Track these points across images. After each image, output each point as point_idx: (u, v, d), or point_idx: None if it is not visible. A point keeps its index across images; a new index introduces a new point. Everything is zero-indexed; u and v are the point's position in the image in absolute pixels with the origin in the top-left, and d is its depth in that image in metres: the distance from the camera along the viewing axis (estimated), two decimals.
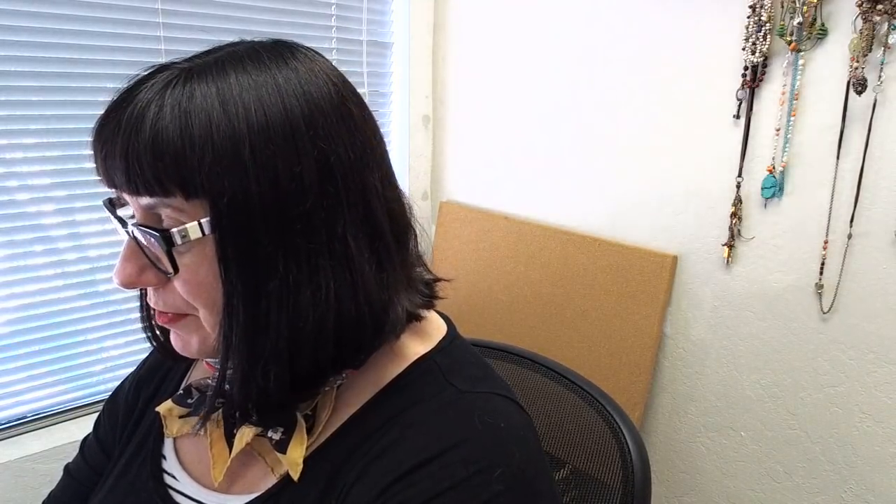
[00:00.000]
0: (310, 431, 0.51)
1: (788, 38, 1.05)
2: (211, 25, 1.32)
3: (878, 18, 0.95)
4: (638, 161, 1.31)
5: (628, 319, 1.31)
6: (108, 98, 0.46)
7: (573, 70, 1.39)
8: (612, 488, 0.75)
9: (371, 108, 0.51)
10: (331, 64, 0.50)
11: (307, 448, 0.51)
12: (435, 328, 0.58)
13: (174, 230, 0.44)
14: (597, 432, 0.79)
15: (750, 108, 1.13)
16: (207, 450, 0.55)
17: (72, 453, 0.72)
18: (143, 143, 0.43)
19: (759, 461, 1.22)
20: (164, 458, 0.59)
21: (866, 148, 1.00)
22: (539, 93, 1.47)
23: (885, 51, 0.96)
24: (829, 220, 1.06)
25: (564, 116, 1.42)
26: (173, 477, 0.58)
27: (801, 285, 1.11)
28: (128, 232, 0.47)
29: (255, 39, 0.49)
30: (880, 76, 0.97)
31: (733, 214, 1.17)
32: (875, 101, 0.98)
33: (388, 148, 0.52)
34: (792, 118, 1.08)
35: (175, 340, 0.52)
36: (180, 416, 0.59)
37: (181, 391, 0.60)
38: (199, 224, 0.44)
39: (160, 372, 0.67)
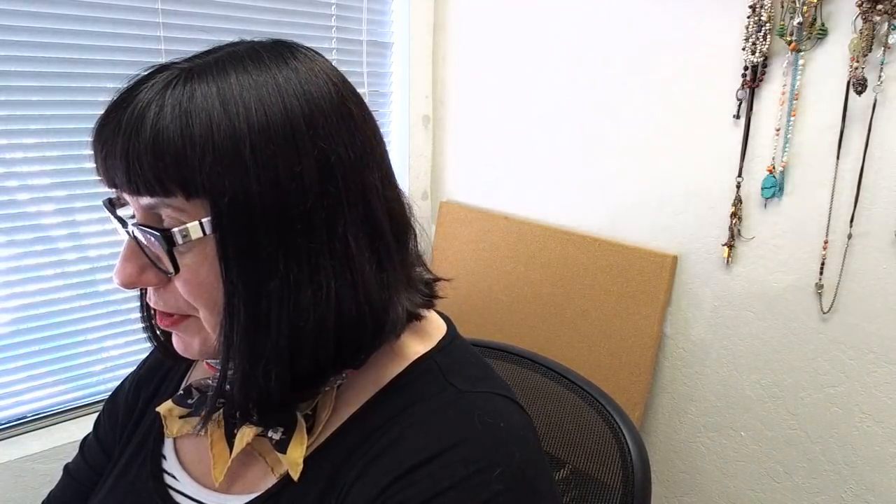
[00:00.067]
0: (310, 431, 0.51)
1: (788, 38, 1.05)
2: (211, 25, 1.32)
3: (878, 18, 0.95)
4: (638, 161, 1.31)
5: (628, 319, 1.31)
6: (108, 98, 0.46)
7: (573, 70, 1.39)
8: (612, 488, 0.75)
9: (371, 108, 0.51)
10: (331, 64, 0.50)
11: (307, 448, 0.51)
12: (435, 328, 0.58)
13: (175, 230, 0.44)
14: (597, 432, 0.79)
15: (750, 108, 1.13)
16: (208, 450, 0.55)
17: (72, 453, 0.72)
18: (143, 143, 0.43)
19: (759, 461, 1.22)
20: (165, 458, 0.59)
21: (866, 148, 1.00)
22: (539, 93, 1.47)
23: (885, 51, 0.96)
24: (829, 220, 1.06)
25: (564, 116, 1.42)
26: (173, 477, 0.58)
27: (801, 285, 1.11)
28: (128, 232, 0.47)
29: (255, 39, 0.49)
30: (880, 76, 0.97)
31: (733, 214, 1.17)
32: (875, 101, 0.98)
33: (388, 148, 0.52)
34: (792, 118, 1.08)
35: (177, 343, 0.52)
36: (180, 417, 0.59)
37: (181, 391, 0.60)
38: (200, 224, 0.44)
39: (160, 372, 0.67)
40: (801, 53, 1.05)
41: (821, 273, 1.08)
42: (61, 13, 1.15)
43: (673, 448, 1.34)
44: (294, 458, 0.50)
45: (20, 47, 1.12)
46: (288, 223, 0.44)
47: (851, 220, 1.03)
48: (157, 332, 0.58)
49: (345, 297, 0.46)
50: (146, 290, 0.55)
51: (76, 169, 1.22)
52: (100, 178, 0.47)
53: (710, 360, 1.26)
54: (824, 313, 1.09)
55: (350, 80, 0.51)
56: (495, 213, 1.59)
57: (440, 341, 0.56)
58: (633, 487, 0.73)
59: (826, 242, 1.07)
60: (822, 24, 1.02)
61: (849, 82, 1.00)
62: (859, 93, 0.99)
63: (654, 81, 1.26)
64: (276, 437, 0.51)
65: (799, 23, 1.03)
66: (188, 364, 0.66)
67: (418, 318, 0.55)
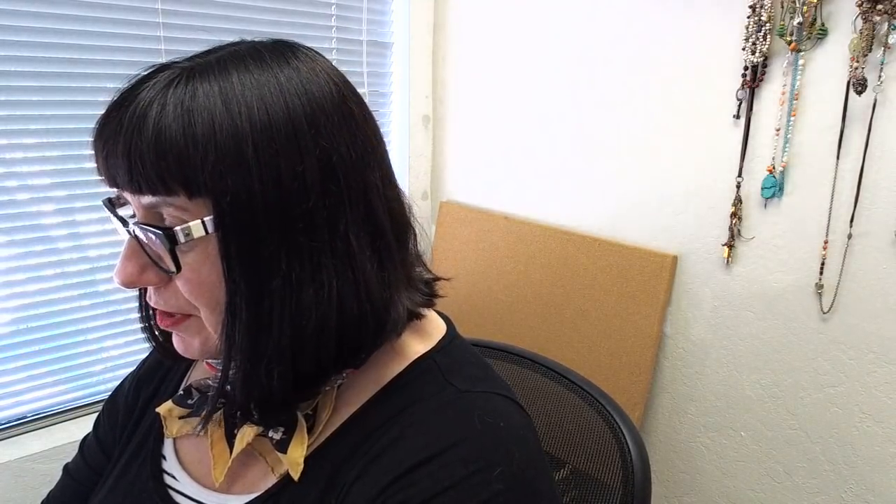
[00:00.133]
0: (310, 431, 0.51)
1: (788, 38, 1.05)
2: (211, 25, 1.32)
3: (878, 18, 0.95)
4: (638, 161, 1.31)
5: (628, 319, 1.31)
6: (108, 98, 0.46)
7: (573, 70, 1.39)
8: (612, 488, 0.75)
9: (371, 108, 0.51)
10: (331, 64, 0.50)
11: (308, 448, 0.51)
12: (434, 327, 0.58)
13: (177, 228, 0.44)
14: (597, 432, 0.79)
15: (750, 108, 1.13)
16: (208, 450, 0.55)
17: (72, 453, 0.72)
18: (145, 141, 0.43)
19: (759, 461, 1.22)
20: (164, 458, 0.59)
21: (866, 148, 1.00)
22: (539, 92, 1.47)
23: (885, 51, 0.96)
24: (829, 220, 1.06)
25: (564, 116, 1.42)
26: (173, 477, 0.58)
27: (801, 285, 1.11)
28: (129, 231, 0.47)
29: (256, 39, 0.49)
30: (880, 76, 0.97)
31: (733, 214, 1.17)
32: (875, 101, 0.98)
33: (388, 148, 0.53)
34: (792, 118, 1.08)
35: (177, 342, 0.52)
36: (180, 417, 0.59)
37: (181, 392, 0.60)
38: (203, 222, 0.44)
39: (160, 372, 0.67)
40: (801, 53, 1.05)
41: (821, 273, 1.08)
42: (61, 13, 1.15)
43: (673, 448, 1.34)
44: (295, 458, 0.50)
45: (20, 47, 1.12)
46: (290, 222, 0.44)
47: (851, 220, 1.03)
48: (156, 333, 0.58)
49: (347, 296, 0.46)
50: (145, 290, 0.55)
51: (76, 169, 1.22)
52: (101, 177, 0.47)
53: (710, 360, 1.26)
54: (824, 313, 1.09)
55: (350, 80, 0.51)
56: (495, 213, 1.59)
57: (440, 341, 0.56)
58: (633, 487, 0.73)
59: (826, 242, 1.07)
60: (822, 24, 1.02)
61: (849, 82, 1.00)
62: (859, 93, 0.99)
63: (654, 81, 1.26)
64: (277, 436, 0.51)
65: (799, 23, 1.03)
66: (188, 364, 0.66)
67: (419, 317, 0.55)
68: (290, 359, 0.46)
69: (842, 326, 1.08)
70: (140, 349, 1.35)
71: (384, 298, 0.49)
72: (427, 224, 1.77)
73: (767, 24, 1.07)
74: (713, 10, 1.15)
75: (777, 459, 1.19)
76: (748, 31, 1.09)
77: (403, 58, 1.65)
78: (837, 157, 1.04)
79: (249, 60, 0.46)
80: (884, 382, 1.04)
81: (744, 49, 1.10)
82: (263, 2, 1.38)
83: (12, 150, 1.16)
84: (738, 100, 1.14)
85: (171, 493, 0.56)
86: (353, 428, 0.51)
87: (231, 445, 0.54)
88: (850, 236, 1.04)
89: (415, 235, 0.55)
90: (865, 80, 0.98)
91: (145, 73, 0.47)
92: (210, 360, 0.55)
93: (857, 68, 0.98)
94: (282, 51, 0.48)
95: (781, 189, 1.11)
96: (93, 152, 0.47)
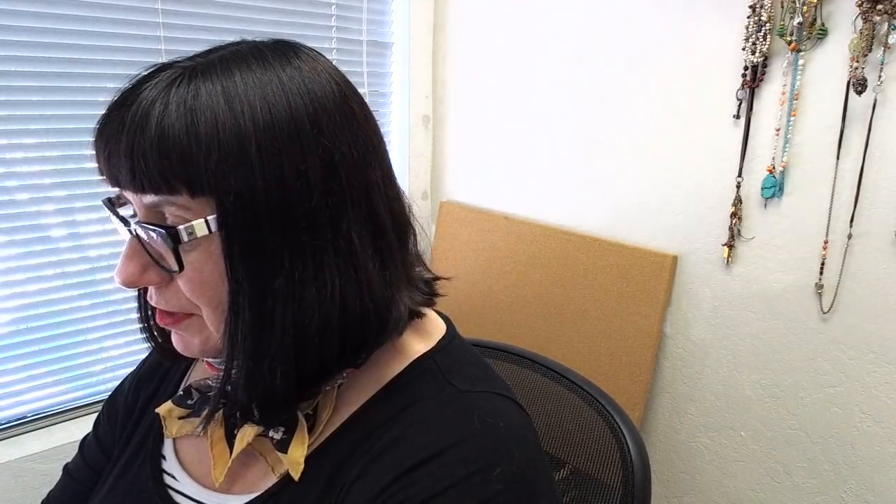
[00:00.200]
0: (311, 431, 0.51)
1: (788, 38, 1.05)
2: (211, 25, 1.32)
3: (878, 18, 0.95)
4: (638, 161, 1.31)
5: (628, 319, 1.31)
6: (108, 98, 0.46)
7: (573, 70, 1.39)
8: (612, 488, 0.75)
9: (371, 108, 0.51)
10: (332, 63, 0.50)
11: (308, 447, 0.51)
12: (435, 327, 0.58)
13: (181, 227, 0.44)
14: (597, 432, 0.79)
15: (750, 108, 1.13)
16: (208, 450, 0.55)
17: (72, 453, 0.72)
18: (148, 140, 0.43)
19: (759, 461, 1.22)
20: (164, 458, 0.59)
21: (866, 148, 1.00)
22: (539, 93, 1.47)
23: (885, 51, 0.96)
24: (829, 220, 1.06)
25: (564, 116, 1.42)
26: (173, 477, 0.58)
27: (801, 285, 1.11)
28: (130, 230, 0.47)
29: (257, 39, 0.49)
30: (880, 76, 0.97)
31: (733, 214, 1.17)
32: (875, 101, 0.98)
33: (388, 148, 0.53)
34: (792, 118, 1.08)
35: (176, 341, 0.52)
36: (180, 417, 0.59)
37: (181, 392, 0.60)
38: (206, 221, 0.44)
39: (159, 372, 0.67)
40: (801, 53, 1.05)
41: (821, 273, 1.08)
42: (62, 13, 1.15)
43: (673, 448, 1.34)
44: (295, 458, 0.50)
45: (20, 47, 1.12)
46: (293, 221, 0.44)
47: (851, 220, 1.03)
48: (155, 333, 0.58)
49: (349, 295, 0.47)
50: (145, 290, 0.55)
51: (76, 169, 1.22)
52: (102, 177, 0.47)
53: (710, 360, 1.26)
54: (824, 313, 1.09)
55: (350, 80, 0.51)
56: (495, 213, 1.59)
57: (440, 341, 0.56)
58: (633, 487, 0.73)
59: (826, 242, 1.07)
60: (822, 24, 1.02)
61: (849, 82, 1.00)
62: (859, 93, 0.99)
63: (654, 81, 1.26)
64: (277, 436, 0.51)
65: (799, 23, 1.03)
66: (187, 364, 0.66)
67: (419, 316, 0.55)
68: (293, 357, 0.46)
69: (842, 326, 1.08)
70: (140, 349, 1.35)
71: (386, 297, 0.49)
72: (427, 224, 1.77)
73: (767, 24, 1.07)
74: (713, 10, 1.15)
75: (777, 459, 1.19)
76: (748, 31, 1.09)
77: (403, 58, 1.65)
78: (837, 157, 1.04)
79: (251, 60, 0.46)
80: (884, 382, 1.04)
81: (744, 49, 1.10)
82: (263, 2, 1.38)
83: (12, 150, 1.16)
84: (738, 100, 1.14)
85: (171, 493, 0.56)
86: (354, 427, 0.51)
87: (231, 445, 0.54)
88: (850, 236, 1.04)
89: (415, 235, 0.55)
90: (865, 80, 0.98)
91: (146, 72, 0.47)
92: (210, 360, 0.55)
93: (857, 68, 0.98)
94: (283, 50, 0.48)
95: (781, 189, 1.11)
96: (94, 152, 0.47)
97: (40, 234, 1.21)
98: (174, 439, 0.60)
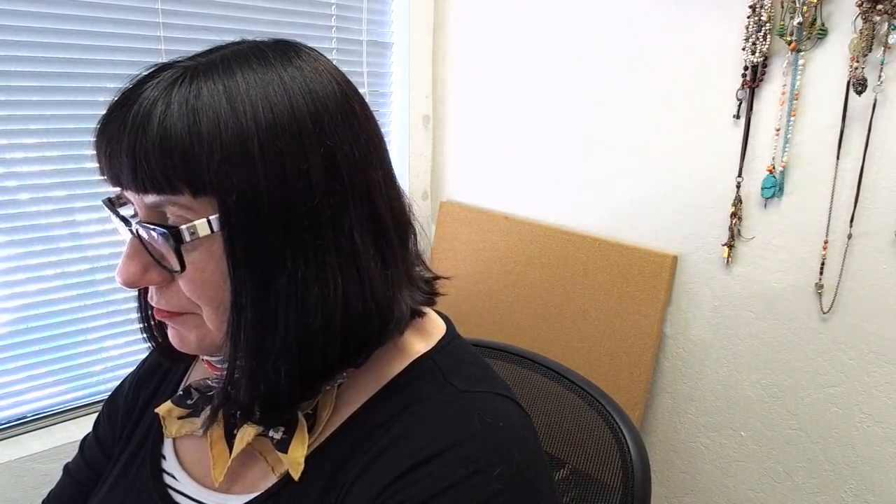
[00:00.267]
0: (311, 430, 0.51)
1: (788, 38, 1.05)
2: (211, 25, 1.32)
3: (878, 18, 0.95)
4: (638, 161, 1.31)
5: (628, 319, 1.31)
6: (108, 98, 0.46)
7: (573, 70, 1.39)
8: (612, 488, 0.75)
9: (371, 108, 0.51)
10: (333, 63, 0.50)
11: (308, 447, 0.51)
12: (435, 327, 0.58)
13: (183, 227, 0.44)
14: (597, 432, 0.79)
15: (750, 108, 1.13)
16: (208, 450, 0.55)
17: (72, 453, 0.72)
18: (150, 140, 0.43)
19: (759, 461, 1.22)
20: (164, 458, 0.59)
21: (866, 148, 1.00)
22: (539, 92, 1.47)
23: (885, 51, 0.96)
24: (829, 220, 1.06)
25: (564, 116, 1.42)
26: (173, 477, 0.58)
27: (801, 285, 1.11)
28: (131, 230, 0.47)
29: (258, 39, 0.49)
30: (880, 76, 0.97)
31: (733, 214, 1.17)
32: (875, 101, 0.98)
33: (388, 147, 0.53)
34: (792, 118, 1.08)
35: (172, 336, 0.52)
36: (179, 417, 0.59)
37: (181, 392, 0.60)
38: (208, 221, 0.44)
39: (159, 372, 0.67)
40: (801, 53, 1.05)
41: (821, 273, 1.08)
42: (61, 13, 1.15)
43: (673, 448, 1.34)
44: (295, 458, 0.50)
45: (20, 47, 1.12)
46: (295, 220, 0.44)
47: (851, 220, 1.03)
48: (156, 333, 0.58)
49: (351, 294, 0.47)
50: (145, 290, 0.55)
51: (76, 169, 1.22)
52: (103, 176, 0.47)
53: (710, 360, 1.26)
54: (824, 313, 1.09)
55: (350, 79, 0.51)
56: (495, 213, 1.59)
57: (440, 341, 0.56)
58: (633, 487, 0.73)
59: (826, 242, 1.07)
60: (822, 24, 1.02)
61: (849, 82, 1.00)
62: (859, 93, 0.99)
63: (654, 81, 1.26)
64: (277, 436, 0.51)
65: (799, 23, 1.03)
66: (187, 364, 0.66)
67: (420, 315, 0.55)
68: (296, 356, 0.46)
69: (842, 326, 1.08)
70: (140, 349, 1.34)
71: (388, 296, 0.49)
72: (427, 224, 1.77)
73: (767, 24, 1.07)
74: (713, 10, 1.15)
75: (777, 459, 1.19)
76: (748, 31, 1.09)
77: (403, 58, 1.65)
78: (837, 157, 1.04)
79: (253, 59, 0.46)
80: (884, 382, 1.04)
81: (744, 49, 1.10)
82: (263, 2, 1.38)
83: (12, 150, 1.16)
84: (738, 100, 1.14)
85: (171, 492, 0.56)
86: (354, 427, 0.51)
87: (231, 445, 0.54)
88: (850, 236, 1.04)
89: (415, 234, 0.55)
90: (865, 80, 0.98)
91: (147, 72, 0.47)
92: (210, 360, 0.55)
93: (857, 68, 0.98)
94: (284, 50, 0.48)
95: (781, 189, 1.11)
96: (95, 151, 0.47)
97: (40, 234, 1.21)
98: (174, 439, 0.60)
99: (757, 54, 1.08)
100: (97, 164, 0.47)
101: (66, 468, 0.71)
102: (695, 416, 1.30)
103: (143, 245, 0.47)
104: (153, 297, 0.50)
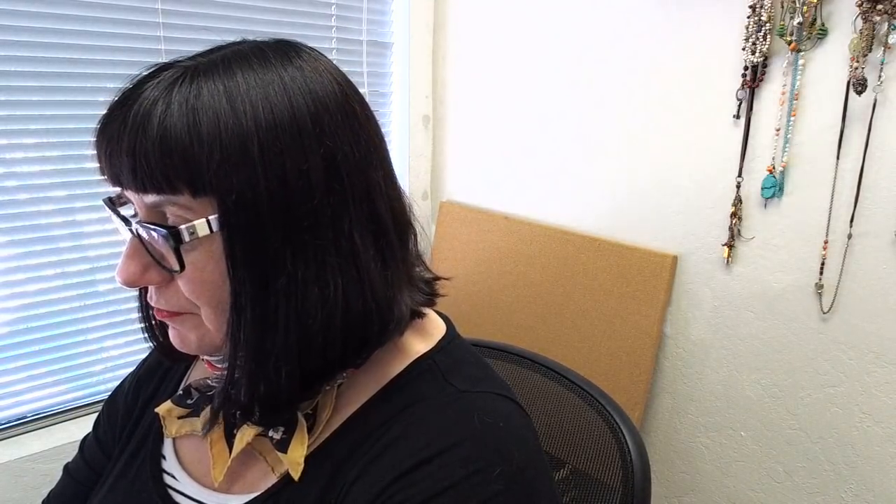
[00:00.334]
0: (310, 431, 0.51)
1: (788, 38, 1.05)
2: (211, 25, 1.32)
3: (878, 18, 0.95)
4: (638, 161, 1.31)
5: (628, 319, 1.31)
6: (108, 98, 0.46)
7: (573, 70, 1.39)
8: (612, 488, 0.75)
9: (371, 108, 0.51)
10: (333, 63, 0.50)
11: (308, 447, 0.51)
12: (435, 327, 0.58)
13: (182, 227, 0.44)
14: (597, 432, 0.79)
15: (750, 108, 1.13)
16: (207, 450, 0.55)
17: (72, 453, 0.72)
18: (150, 140, 0.43)
19: (759, 461, 1.22)
20: (164, 458, 0.59)
21: (866, 148, 1.00)
22: (539, 92, 1.47)
23: (885, 51, 0.96)
24: (829, 220, 1.06)
25: (564, 116, 1.42)
26: (173, 477, 0.58)
27: (801, 285, 1.11)
28: (131, 230, 0.47)
29: (258, 39, 0.49)
30: (880, 76, 0.97)
31: (733, 214, 1.17)
32: (875, 101, 0.98)
33: (389, 147, 0.53)
34: (792, 118, 1.08)
35: (173, 336, 0.52)
36: (179, 417, 0.59)
37: (181, 391, 0.60)
38: (208, 221, 0.44)
39: (159, 372, 0.67)
40: (801, 53, 1.05)
41: (821, 273, 1.08)
42: (61, 13, 1.15)
43: (673, 448, 1.34)
44: (295, 458, 0.50)
45: (20, 47, 1.12)
46: (295, 221, 0.44)
47: (851, 220, 1.03)
48: (156, 333, 0.58)
49: (351, 295, 0.47)
50: (145, 290, 0.55)
51: (76, 169, 1.22)
52: (103, 176, 0.47)
53: (710, 360, 1.26)
54: (824, 313, 1.09)
55: (350, 80, 0.51)
56: (495, 213, 1.59)
57: (440, 341, 0.56)
58: (633, 487, 0.73)
59: (826, 242, 1.07)
60: (822, 24, 1.02)
61: (849, 82, 1.00)
62: (859, 93, 0.99)
63: (654, 81, 1.26)
64: (277, 436, 0.51)
65: (799, 23, 1.03)
66: (188, 364, 0.66)
67: (420, 315, 0.55)
68: (296, 356, 0.46)
69: (842, 326, 1.08)
70: (140, 349, 1.35)
71: (388, 297, 0.49)
72: (427, 224, 1.77)
73: (767, 24, 1.07)
74: (713, 10, 1.15)
75: (777, 459, 1.19)
76: (748, 31, 1.09)
77: (403, 58, 1.65)
78: (837, 157, 1.04)
79: (253, 60, 0.46)
80: (884, 382, 1.04)
81: (744, 49, 1.10)
82: (263, 2, 1.38)
83: (12, 150, 1.16)
84: (738, 100, 1.14)
85: (171, 492, 0.56)
86: (354, 427, 0.51)
87: (230, 445, 0.54)
88: (850, 236, 1.04)
89: (415, 235, 0.55)
90: (865, 80, 0.98)
91: (148, 72, 0.47)
92: (210, 360, 0.55)
93: (857, 68, 0.98)
94: (285, 50, 0.48)
95: (781, 189, 1.11)
96: (95, 151, 0.47)
97: (40, 234, 1.21)
98: (174, 439, 0.60)
99: (757, 54, 1.08)
100: (97, 164, 0.47)
101: (66, 468, 0.71)
102: (695, 416, 1.30)
103: (143, 245, 0.47)
104: (153, 297, 0.50)
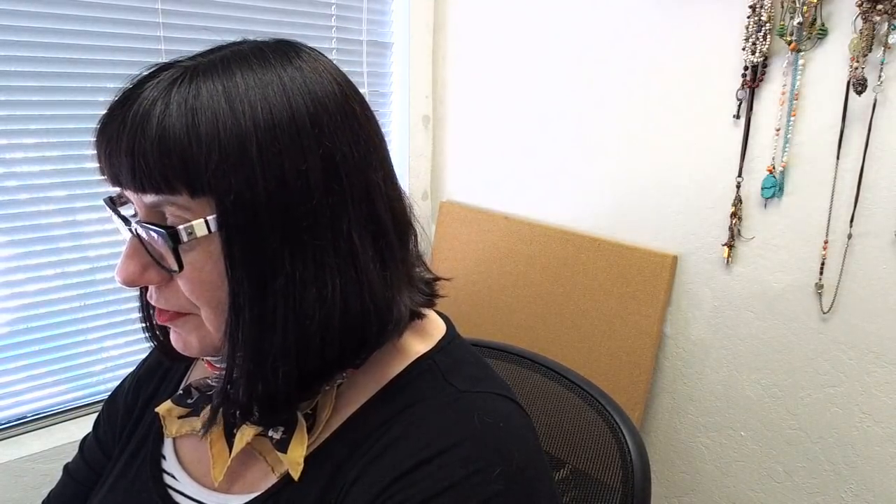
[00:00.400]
0: (310, 431, 0.51)
1: (788, 38, 1.05)
2: (211, 25, 1.32)
3: (878, 18, 0.95)
4: (638, 161, 1.31)
5: (628, 319, 1.31)
6: (108, 98, 0.46)
7: (573, 70, 1.39)
8: (612, 488, 0.75)
9: (371, 109, 0.51)
10: (333, 63, 0.50)
11: (308, 447, 0.51)
12: (435, 327, 0.58)
13: (180, 227, 0.44)
14: (597, 432, 0.79)
15: (750, 108, 1.13)
16: (207, 450, 0.55)
17: (72, 453, 0.72)
18: (149, 140, 0.43)
19: (759, 461, 1.22)
20: (164, 458, 0.59)
21: (866, 148, 1.00)
22: (539, 92, 1.47)
23: (885, 51, 0.96)
24: (829, 220, 1.06)
25: (564, 116, 1.42)
26: (173, 477, 0.58)
27: (801, 285, 1.11)
28: (131, 230, 0.47)
29: (258, 39, 0.49)
30: (880, 76, 0.97)
31: (733, 214, 1.17)
32: (875, 101, 0.98)
33: (389, 147, 0.53)
34: (792, 118, 1.08)
35: (175, 339, 0.52)
36: (179, 417, 0.59)
37: (181, 391, 0.60)
38: (206, 221, 0.44)
39: (159, 372, 0.67)
40: (801, 53, 1.05)
41: (821, 273, 1.08)
42: (61, 13, 1.15)
43: (673, 448, 1.34)
44: (295, 458, 0.50)
45: (20, 47, 1.12)
46: (293, 221, 0.44)
47: (851, 220, 1.03)
48: (157, 332, 0.58)
49: (350, 296, 0.47)
50: (146, 289, 0.55)
51: (76, 169, 1.22)
52: (103, 176, 0.47)
53: (710, 360, 1.26)
54: (824, 313, 1.09)
55: (350, 80, 0.51)
56: (495, 213, 1.59)
57: (440, 341, 0.56)
58: (633, 487, 0.73)
59: (826, 242, 1.07)
60: (822, 24, 1.02)
61: (849, 82, 1.00)
62: (859, 93, 0.99)
63: (654, 81, 1.26)
64: (277, 436, 0.51)
65: (799, 23, 1.03)
66: (188, 364, 0.66)
67: (419, 316, 0.55)
68: (294, 357, 0.46)
69: (842, 326, 1.08)
70: (140, 349, 1.35)
71: (387, 298, 0.49)
72: (427, 224, 1.77)
73: (767, 24, 1.07)
74: (713, 9, 1.15)
75: (777, 459, 1.19)
76: (748, 31, 1.09)
77: (403, 58, 1.65)
78: (837, 157, 1.04)
79: (253, 60, 0.46)
80: (884, 382, 1.04)
81: (744, 49, 1.10)
82: (263, 2, 1.38)
83: (12, 150, 1.16)
84: (738, 100, 1.14)
85: (171, 492, 0.57)
86: (354, 428, 0.51)
87: (230, 445, 0.54)
88: (850, 236, 1.04)
89: (415, 235, 0.55)
90: (865, 80, 0.98)
91: (147, 72, 0.47)
92: (210, 359, 0.55)
93: (857, 68, 0.98)
94: (285, 50, 0.48)
95: (781, 189, 1.11)
96: (95, 151, 0.47)
97: (40, 234, 1.21)
98: (174, 439, 0.60)
99: (757, 54, 1.08)
100: (97, 164, 0.47)
101: (66, 468, 0.71)
102: (695, 416, 1.30)
103: (143, 245, 0.47)
104: (153, 297, 0.50)
